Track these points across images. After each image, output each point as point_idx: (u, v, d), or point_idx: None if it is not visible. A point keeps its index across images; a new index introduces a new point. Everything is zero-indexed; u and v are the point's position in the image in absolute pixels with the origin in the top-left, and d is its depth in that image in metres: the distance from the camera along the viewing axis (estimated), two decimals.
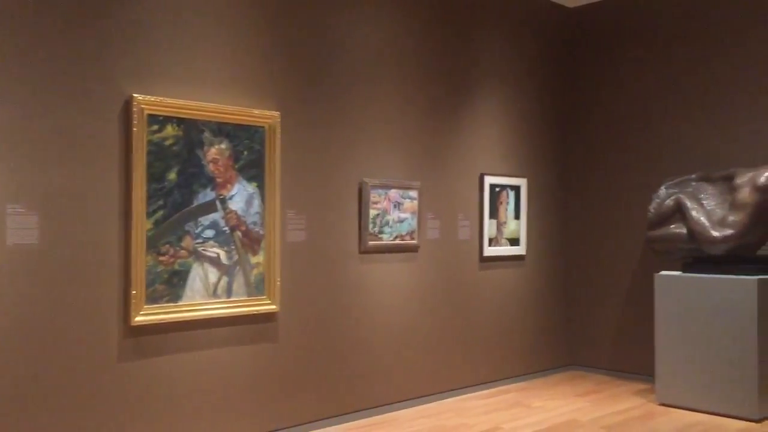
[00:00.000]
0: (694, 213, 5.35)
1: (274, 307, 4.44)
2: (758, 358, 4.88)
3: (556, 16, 6.61)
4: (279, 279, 4.46)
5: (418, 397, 5.33)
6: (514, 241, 6.15)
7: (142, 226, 3.84)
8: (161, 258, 3.93)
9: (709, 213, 5.33)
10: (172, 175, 3.97)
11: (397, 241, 5.22)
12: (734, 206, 5.17)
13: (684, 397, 5.24)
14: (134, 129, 3.81)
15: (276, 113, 4.46)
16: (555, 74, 6.59)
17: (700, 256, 5.39)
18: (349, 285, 4.93)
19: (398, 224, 5.22)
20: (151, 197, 3.88)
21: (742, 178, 5.19)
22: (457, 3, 5.71)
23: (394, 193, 5.18)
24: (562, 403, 5.43)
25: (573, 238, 6.68)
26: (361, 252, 5.00)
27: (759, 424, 4.86)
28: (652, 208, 5.63)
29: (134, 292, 3.80)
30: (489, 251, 5.92)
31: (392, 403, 5.15)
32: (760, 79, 5.54)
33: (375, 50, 5.11)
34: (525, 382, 6.10)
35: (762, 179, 5.07)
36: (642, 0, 6.26)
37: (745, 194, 5.11)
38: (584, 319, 6.59)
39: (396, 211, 5.20)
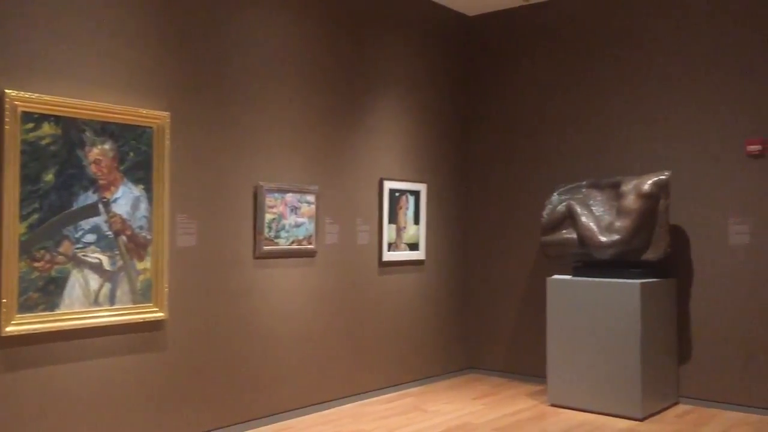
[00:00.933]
0: (583, 219, 5.53)
1: (161, 314, 4.28)
2: (641, 359, 5.08)
3: (456, 24, 6.71)
4: (167, 285, 4.30)
5: (316, 404, 5.26)
6: (413, 246, 6.18)
7: (14, 230, 3.61)
8: (36, 264, 3.70)
9: (598, 219, 5.51)
10: (49, 176, 3.76)
11: (294, 246, 5.14)
12: (620, 212, 5.38)
13: (574, 398, 5.39)
14: (6, 127, 3.58)
15: (165, 113, 4.30)
16: (454, 81, 6.69)
17: (589, 261, 5.58)
18: (243, 291, 4.81)
19: (295, 229, 5.14)
20: (24, 199, 3.66)
21: (628, 186, 5.40)
22: (357, 8, 5.70)
23: (290, 197, 5.11)
24: (458, 406, 5.49)
25: (471, 243, 6.78)
26: (256, 257, 4.89)
27: (642, 423, 5.05)
28: (545, 213, 5.78)
29: (4, 300, 3.56)
30: (388, 256, 5.92)
31: (288, 411, 5.06)
32: (647, 91, 5.79)
33: (272, 52, 5.02)
34: (424, 386, 6.14)
35: (645, 186, 5.29)
36: (537, 11, 6.44)
37: (630, 201, 5.32)
38: (482, 322, 6.70)
39: (293, 216, 5.13)
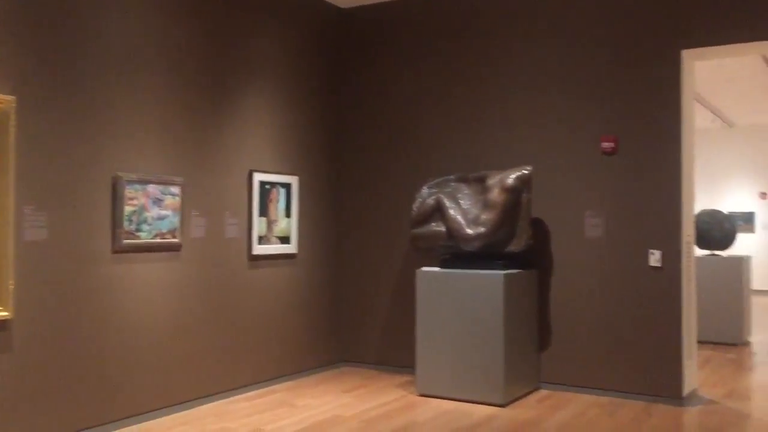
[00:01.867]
0: (451, 212, 5.65)
1: (6, 313, 3.97)
2: (504, 347, 5.26)
3: (329, 16, 6.67)
4: (12, 282, 3.99)
5: (179, 404, 5.07)
6: (284, 239, 6.10)
7: None
8: None
9: (465, 212, 5.65)
10: None
11: (157, 240, 4.93)
12: (486, 206, 5.54)
13: (441, 387, 5.50)
14: None
15: (10, 98, 3.99)
16: (327, 73, 6.65)
17: (457, 253, 5.71)
18: (101, 287, 4.56)
19: (158, 222, 4.93)
20: None
21: (493, 180, 5.57)
22: None
23: (153, 189, 4.89)
24: (327, 400, 5.47)
25: (344, 236, 6.78)
26: (114, 252, 4.65)
27: (504, 408, 5.24)
28: (415, 206, 5.86)
29: None
30: (258, 250, 5.81)
31: (150, 411, 4.85)
32: (512, 90, 5.99)
33: (134, 37, 4.78)
34: (294, 381, 6.08)
35: (509, 181, 5.48)
36: (410, 6, 6.51)
37: (495, 195, 5.49)
38: (354, 315, 6.71)
39: (155, 208, 4.91)
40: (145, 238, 4.84)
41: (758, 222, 14.52)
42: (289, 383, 6.01)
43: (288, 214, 6.13)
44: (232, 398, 5.46)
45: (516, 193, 5.48)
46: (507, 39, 6.03)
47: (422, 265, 5.93)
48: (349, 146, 6.78)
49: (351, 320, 6.73)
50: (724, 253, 8.49)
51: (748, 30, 5.16)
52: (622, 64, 5.56)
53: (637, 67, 5.51)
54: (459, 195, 5.78)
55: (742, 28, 5.17)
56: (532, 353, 5.74)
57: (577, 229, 5.70)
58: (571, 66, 5.75)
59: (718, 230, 8.39)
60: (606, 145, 5.59)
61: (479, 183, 5.72)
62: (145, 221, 4.84)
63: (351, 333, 6.72)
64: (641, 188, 5.48)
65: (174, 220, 5.05)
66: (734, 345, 8.00)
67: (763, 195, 14.51)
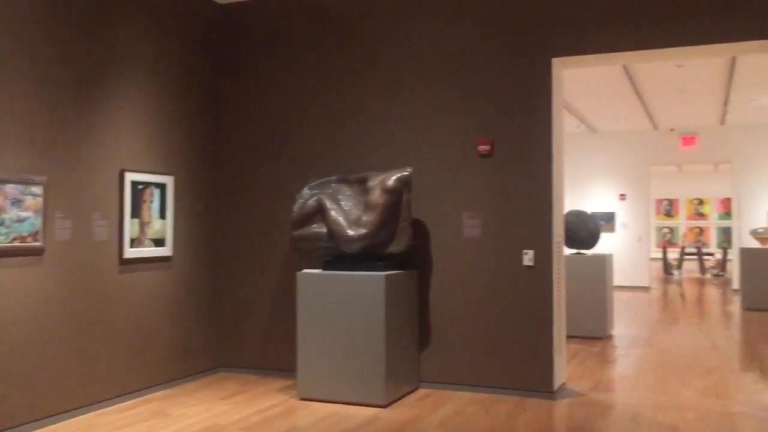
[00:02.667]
0: (333, 213, 5.62)
1: None
2: (385, 348, 5.28)
3: (205, 11, 6.45)
4: None
5: (44, 418, 4.73)
6: (159, 242, 5.84)
7: None
8: None
9: (347, 213, 5.64)
10: None
11: (16, 244, 4.58)
12: (367, 207, 5.54)
13: (323, 390, 5.46)
14: None
15: None
16: (205, 71, 6.42)
17: (338, 254, 5.68)
18: None
19: (17, 224, 4.58)
20: None
21: (374, 181, 5.59)
22: None
23: (11, 189, 4.54)
24: (204, 408, 5.28)
25: (222, 238, 6.58)
26: None
27: (386, 409, 5.26)
28: (296, 208, 5.78)
29: None
30: (130, 253, 5.52)
31: (10, 429, 4.49)
32: (393, 93, 6.03)
33: None
34: (170, 390, 5.83)
35: (390, 182, 5.51)
36: (289, 4, 6.41)
37: (376, 196, 5.51)
38: (233, 319, 6.53)
39: (14, 210, 4.56)
40: (2, 241, 4.48)
41: (618, 222, 15.52)
42: (165, 392, 5.76)
43: (163, 216, 5.87)
44: (102, 410, 5.16)
45: (397, 194, 5.53)
46: (387, 41, 6.07)
47: (303, 267, 5.86)
48: (228, 145, 6.59)
49: (229, 324, 6.54)
50: (589, 252, 8.97)
51: (612, 41, 5.46)
52: (497, 69, 5.74)
53: (511, 73, 5.70)
54: (340, 196, 5.75)
55: (606, 39, 5.47)
56: (413, 353, 5.81)
57: (455, 230, 5.82)
58: (449, 70, 5.87)
59: (584, 230, 8.85)
60: (482, 147, 5.74)
61: (360, 184, 5.72)
62: (2, 224, 4.48)
63: (229, 337, 6.54)
64: (515, 190, 5.68)
65: (36, 223, 4.70)
66: (599, 338, 8.48)
67: (622, 196, 15.51)
